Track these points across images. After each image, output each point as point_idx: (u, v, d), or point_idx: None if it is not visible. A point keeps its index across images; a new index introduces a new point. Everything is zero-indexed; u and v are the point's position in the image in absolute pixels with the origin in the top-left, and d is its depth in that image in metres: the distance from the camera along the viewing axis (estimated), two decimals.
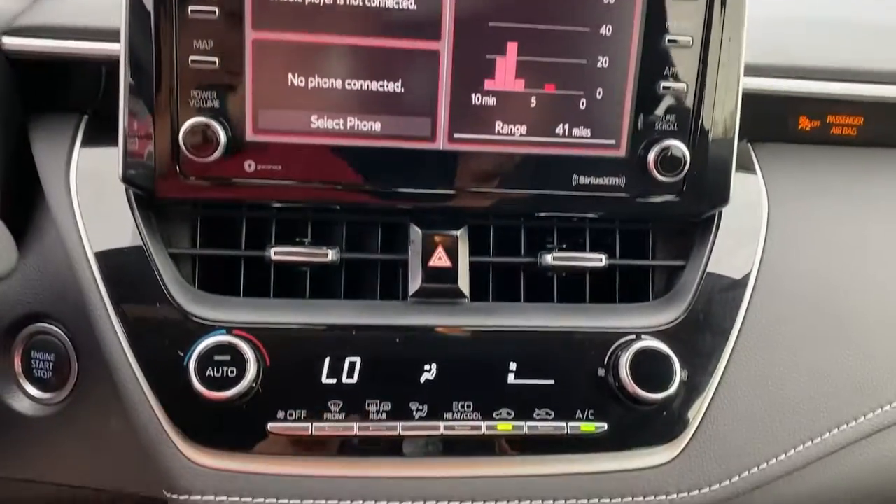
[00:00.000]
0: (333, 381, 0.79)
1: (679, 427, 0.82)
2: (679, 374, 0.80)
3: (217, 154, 0.77)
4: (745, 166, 0.92)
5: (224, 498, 0.78)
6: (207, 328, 0.78)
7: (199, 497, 0.78)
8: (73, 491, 0.93)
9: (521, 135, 0.81)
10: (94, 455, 0.89)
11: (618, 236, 0.89)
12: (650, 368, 0.79)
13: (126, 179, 0.79)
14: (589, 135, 0.82)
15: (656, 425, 0.82)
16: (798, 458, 0.84)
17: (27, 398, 0.88)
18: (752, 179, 0.92)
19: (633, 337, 0.82)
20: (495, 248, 0.87)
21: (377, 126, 0.79)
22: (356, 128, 0.79)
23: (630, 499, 0.81)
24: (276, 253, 0.82)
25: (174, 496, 0.78)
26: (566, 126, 0.81)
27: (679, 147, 0.81)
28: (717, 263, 0.86)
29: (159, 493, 0.84)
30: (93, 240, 0.82)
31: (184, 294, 0.80)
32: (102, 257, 0.80)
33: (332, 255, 0.82)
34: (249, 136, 0.79)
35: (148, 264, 0.80)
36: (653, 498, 0.81)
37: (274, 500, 0.78)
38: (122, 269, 0.80)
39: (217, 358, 0.75)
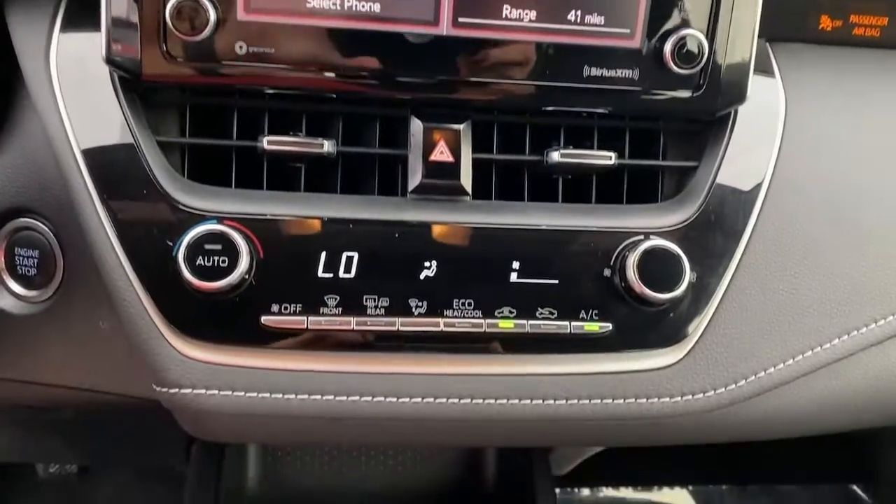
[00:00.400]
0: (330, 275, 0.76)
1: (685, 329, 0.80)
2: (688, 274, 0.77)
3: (206, 33, 0.72)
4: (763, 66, 0.88)
5: (215, 392, 0.75)
6: (197, 217, 0.74)
7: (189, 390, 0.76)
8: (61, 391, 0.91)
9: (531, 21, 0.76)
10: (83, 354, 0.87)
11: (627, 136, 0.85)
12: (658, 268, 0.77)
13: (110, 61, 0.74)
14: (602, 22, 0.77)
15: (662, 327, 0.79)
16: (806, 363, 0.82)
17: (11, 296, 0.85)
18: (769, 79, 0.88)
19: (642, 237, 0.78)
20: (499, 146, 0.83)
21: (376, 7, 0.74)
22: (354, 9, 0.74)
23: (633, 400, 0.79)
24: (269, 142, 0.78)
25: (164, 390, 0.76)
26: (578, 12, 0.76)
27: (697, 37, 0.76)
28: (730, 164, 0.82)
29: (149, 391, 0.82)
30: (76, 127, 0.77)
31: (172, 183, 0.76)
32: (86, 144, 0.76)
33: (328, 146, 0.78)
34: (241, 15, 0.74)
35: (134, 152, 0.76)
36: (656, 400, 0.79)
37: (267, 395, 0.76)
38: (107, 157, 0.76)
39: (208, 247, 0.72)
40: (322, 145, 0.78)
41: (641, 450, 1.92)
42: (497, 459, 1.30)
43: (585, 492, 2.20)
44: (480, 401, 0.78)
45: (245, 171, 0.81)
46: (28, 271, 0.85)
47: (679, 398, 0.80)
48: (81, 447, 1.35)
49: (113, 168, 0.76)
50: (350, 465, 1.30)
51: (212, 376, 0.75)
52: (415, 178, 0.79)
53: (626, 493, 2.21)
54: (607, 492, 2.20)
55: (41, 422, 1.12)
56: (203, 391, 0.75)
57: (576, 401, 0.79)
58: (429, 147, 0.79)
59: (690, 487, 2.21)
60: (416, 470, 1.30)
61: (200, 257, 0.72)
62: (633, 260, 0.76)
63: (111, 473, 2.00)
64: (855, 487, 2.26)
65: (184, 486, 1.72)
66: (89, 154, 0.76)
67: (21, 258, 0.84)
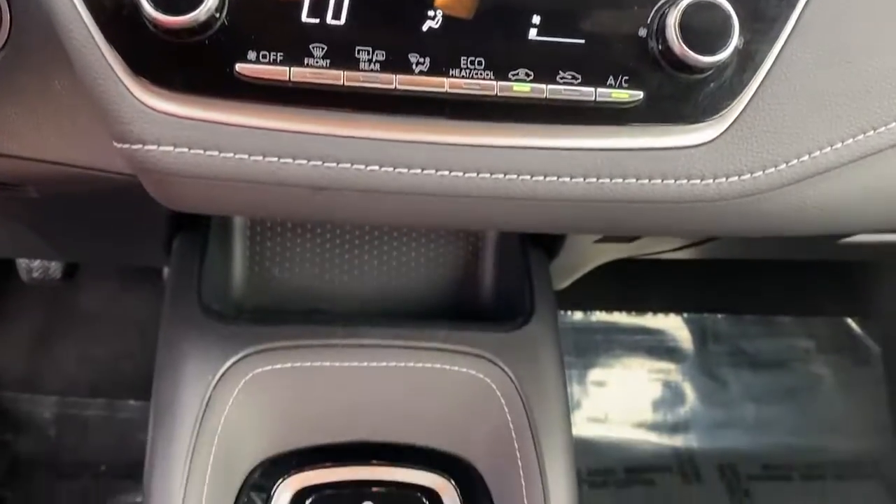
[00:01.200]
0: (316, 20, 0.64)
1: (726, 101, 0.69)
2: (736, 36, 0.66)
3: None
4: None
5: (185, 150, 0.66)
6: None
7: (154, 147, 0.66)
8: (20, 164, 0.82)
9: None
10: (38, 119, 0.77)
11: None
12: (703, 27, 0.65)
13: None
14: None
15: (700, 98, 0.68)
16: (856, 148, 0.73)
17: None
18: None
19: None
20: None
21: None
22: None
23: (660, 181, 0.70)
24: None
25: (125, 146, 0.66)
26: None
27: None
28: None
29: (112, 161, 0.72)
30: None
31: None
32: None
33: None
34: None
35: None
36: (685, 182, 0.70)
37: (245, 157, 0.66)
38: None
39: None
40: None
41: (636, 274, 1.88)
42: (495, 266, 1.24)
43: (578, 315, 2.19)
44: (487, 175, 0.69)
45: None
46: None
47: (711, 181, 0.71)
48: (57, 241, 1.28)
49: None
50: (340, 272, 1.24)
51: (178, 131, 0.65)
52: None
53: (619, 317, 2.20)
54: (600, 315, 2.19)
55: (6, 204, 1.04)
56: (170, 148, 0.66)
57: (594, 179, 0.70)
58: None
59: (685, 314, 2.20)
60: (409, 279, 1.24)
61: None
62: (674, 16, 0.65)
63: (95, 279, 1.96)
64: (849, 321, 2.26)
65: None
66: None
67: None
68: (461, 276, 1.25)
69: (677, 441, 2.09)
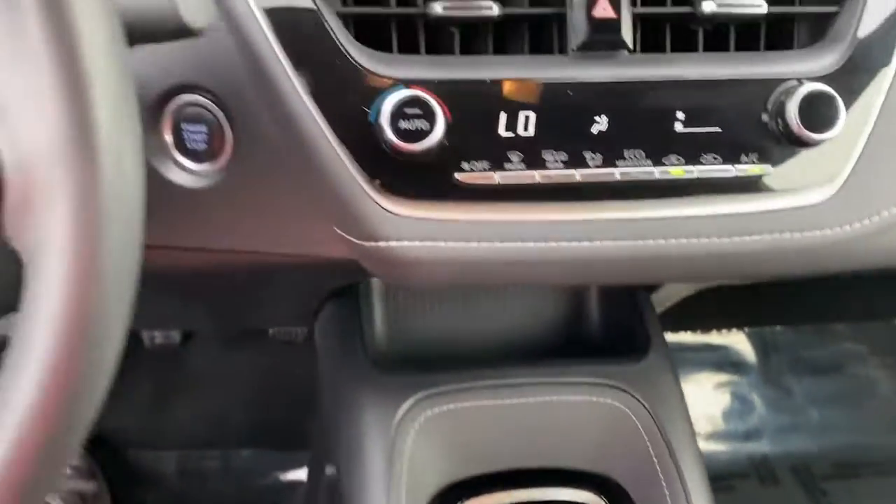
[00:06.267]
0: (511, 134, 0.81)
1: (838, 165, 0.86)
2: (842, 116, 0.82)
3: None
4: None
5: (418, 242, 0.82)
6: (389, 83, 0.79)
7: (395, 243, 0.82)
8: (228, 256, 0.97)
9: None
10: (255, 220, 0.92)
11: None
12: (816, 111, 0.82)
13: None
14: None
15: (817, 165, 0.85)
16: None
17: (183, 171, 0.89)
18: None
19: (796, 82, 0.83)
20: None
21: None
22: None
23: (789, 235, 0.87)
24: (444, 7, 0.81)
25: (371, 244, 0.83)
26: None
27: None
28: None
29: (323, 249, 0.88)
30: None
31: (359, 52, 0.80)
32: (272, 14, 0.79)
33: (495, 8, 0.82)
34: None
35: (320, 22, 0.79)
36: (816, 233, 0.87)
37: (464, 244, 0.83)
38: (293, 26, 0.79)
39: (408, 111, 0.77)
40: (491, 8, 0.82)
41: (696, 297, 2.03)
42: (601, 305, 1.39)
43: None
44: (650, 242, 0.85)
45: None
46: (198, 146, 0.89)
47: (829, 230, 0.87)
48: (213, 310, 1.44)
49: (300, 38, 0.79)
50: (464, 320, 1.38)
51: (414, 229, 0.82)
52: (578, 36, 0.82)
53: (684, 336, 2.35)
54: (668, 336, 2.34)
55: (191, 287, 1.20)
56: (407, 243, 0.82)
57: (738, 238, 0.86)
58: (590, 3, 0.82)
59: (745, 329, 2.34)
60: (526, 321, 1.39)
61: (403, 120, 0.77)
62: (793, 104, 0.81)
63: (203, 340, 2.12)
64: None
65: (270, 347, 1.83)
66: (274, 23, 0.79)
67: (189, 133, 0.88)
68: (571, 316, 1.41)
69: (750, 447, 2.22)
